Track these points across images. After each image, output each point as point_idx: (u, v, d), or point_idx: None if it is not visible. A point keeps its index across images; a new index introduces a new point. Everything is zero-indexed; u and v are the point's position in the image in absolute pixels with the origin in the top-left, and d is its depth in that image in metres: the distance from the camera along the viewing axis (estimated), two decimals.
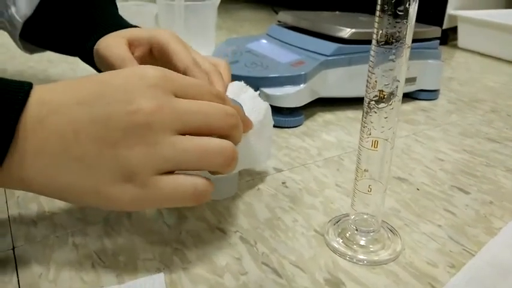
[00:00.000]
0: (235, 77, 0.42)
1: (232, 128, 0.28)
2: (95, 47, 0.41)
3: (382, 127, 0.29)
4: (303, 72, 0.53)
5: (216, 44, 0.80)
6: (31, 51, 0.55)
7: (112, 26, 0.44)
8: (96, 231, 0.32)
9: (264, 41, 0.66)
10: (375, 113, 0.28)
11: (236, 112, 0.29)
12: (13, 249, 0.30)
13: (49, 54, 0.58)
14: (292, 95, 0.52)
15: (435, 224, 0.35)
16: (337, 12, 0.79)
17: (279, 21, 0.70)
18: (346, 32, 0.57)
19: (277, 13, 1.30)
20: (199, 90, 0.28)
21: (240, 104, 0.34)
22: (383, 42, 0.27)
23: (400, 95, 0.28)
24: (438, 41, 0.66)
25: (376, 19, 0.27)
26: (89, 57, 0.44)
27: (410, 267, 0.30)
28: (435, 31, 0.66)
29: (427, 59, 0.63)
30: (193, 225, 0.33)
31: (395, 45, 0.27)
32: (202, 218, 0.34)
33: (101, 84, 0.26)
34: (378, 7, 0.26)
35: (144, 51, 0.40)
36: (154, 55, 0.40)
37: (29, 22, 0.49)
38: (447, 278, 0.29)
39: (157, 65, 0.29)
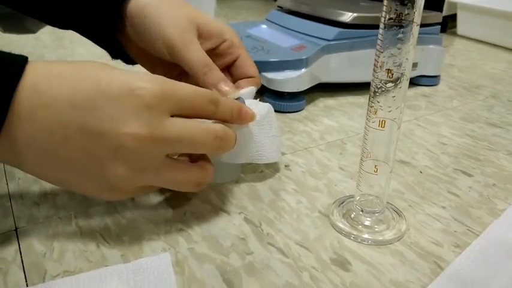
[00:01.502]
0: None
1: (219, 149, 0.29)
2: (135, 13, 0.35)
3: (389, 107, 0.28)
4: (304, 57, 0.53)
5: None
6: (17, 32, 0.49)
7: None
8: (99, 212, 0.32)
9: (264, 26, 0.66)
10: (383, 92, 0.28)
11: (225, 133, 0.28)
12: (16, 230, 0.30)
13: (44, 40, 0.56)
14: (293, 79, 0.52)
15: (439, 206, 0.35)
16: None
17: (279, 7, 0.69)
18: (348, 17, 0.57)
19: (275, 0, 1.29)
20: (195, 106, 0.27)
21: (243, 99, 0.34)
22: (392, 20, 0.26)
23: (408, 74, 0.28)
24: (439, 27, 0.65)
25: (384, 8, 0.26)
26: (96, 24, 0.37)
27: (415, 246, 0.30)
28: (436, 16, 0.65)
29: (428, 44, 0.63)
30: (198, 207, 0.33)
31: (404, 23, 0.26)
32: (207, 200, 0.34)
33: (98, 93, 0.25)
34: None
35: (211, 47, 0.37)
36: (217, 52, 0.38)
37: None
38: (452, 257, 0.29)
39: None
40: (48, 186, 0.35)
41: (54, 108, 0.24)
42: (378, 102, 0.29)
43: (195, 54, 0.35)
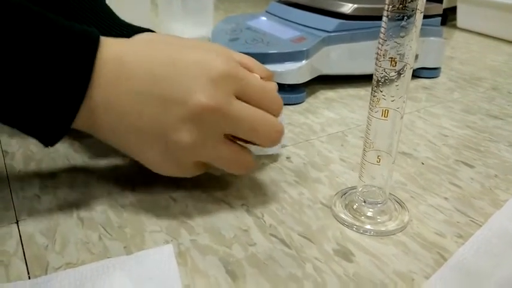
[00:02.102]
0: None
1: (273, 142, 0.31)
2: None
3: (392, 96, 0.28)
4: (304, 49, 0.52)
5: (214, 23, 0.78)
6: None
7: (115, 26, 0.39)
8: (101, 204, 0.32)
9: (263, 18, 0.65)
10: (386, 82, 0.28)
11: (282, 128, 0.31)
12: (17, 222, 0.29)
13: None
14: (294, 71, 0.51)
15: (441, 197, 0.35)
16: None
17: None
18: (348, 8, 0.56)
19: None
20: (259, 95, 0.30)
21: None
22: (395, 8, 0.26)
23: (411, 63, 0.28)
24: (440, 18, 0.65)
25: (384, 21, 0.26)
26: None
27: (418, 237, 0.30)
28: (437, 8, 0.65)
29: (428, 36, 0.63)
30: (199, 199, 0.33)
31: (407, 12, 0.26)
32: (208, 191, 0.34)
33: (173, 65, 0.28)
34: None
35: None
36: None
37: None
38: (455, 248, 0.29)
39: None
40: (48, 178, 0.35)
41: (136, 79, 0.27)
42: (381, 91, 0.28)
43: None
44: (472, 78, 0.66)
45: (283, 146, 0.41)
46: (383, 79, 0.28)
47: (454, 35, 0.99)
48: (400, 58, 0.27)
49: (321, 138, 0.44)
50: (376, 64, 0.28)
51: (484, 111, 0.53)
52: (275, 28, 0.60)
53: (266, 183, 0.36)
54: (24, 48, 0.25)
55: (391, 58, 0.27)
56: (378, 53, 0.28)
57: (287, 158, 0.40)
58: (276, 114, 0.31)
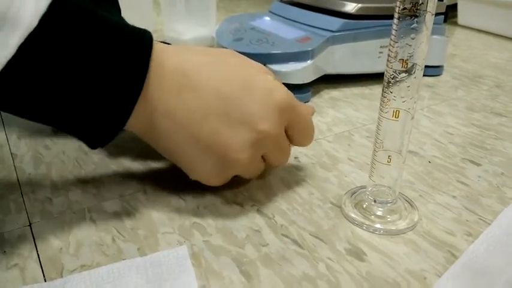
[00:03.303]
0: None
1: (281, 164, 0.35)
2: None
3: (403, 97, 0.28)
4: (309, 48, 0.52)
5: (217, 23, 0.78)
6: None
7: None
8: (113, 207, 0.32)
9: (267, 18, 0.65)
10: (396, 82, 0.28)
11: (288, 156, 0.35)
12: (30, 225, 0.30)
13: None
14: (299, 71, 0.52)
15: (449, 195, 0.35)
16: None
17: None
18: (352, 7, 0.56)
19: None
20: (303, 128, 0.34)
21: None
22: (406, 10, 0.26)
23: (422, 64, 0.28)
24: (443, 16, 0.65)
25: (396, 12, 0.26)
26: None
27: (428, 236, 0.30)
28: (440, 6, 0.65)
29: (432, 34, 0.62)
30: (210, 200, 0.33)
31: (418, 13, 0.26)
32: (218, 192, 0.34)
33: (243, 90, 0.29)
34: None
35: None
36: None
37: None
38: (465, 246, 0.29)
39: None
40: (59, 180, 0.35)
41: (201, 92, 0.29)
42: (391, 92, 0.29)
43: None
44: (474, 76, 0.66)
45: None
46: (393, 80, 0.28)
47: (455, 31, 0.99)
48: (411, 59, 0.27)
49: (327, 137, 0.44)
50: (387, 65, 0.28)
51: (488, 109, 0.53)
52: (279, 28, 0.60)
53: (276, 183, 0.36)
54: (77, 47, 0.25)
55: (402, 59, 0.27)
56: (388, 54, 0.28)
57: (295, 157, 0.40)
58: (307, 144, 0.35)
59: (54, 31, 0.24)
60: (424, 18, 0.26)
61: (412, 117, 0.29)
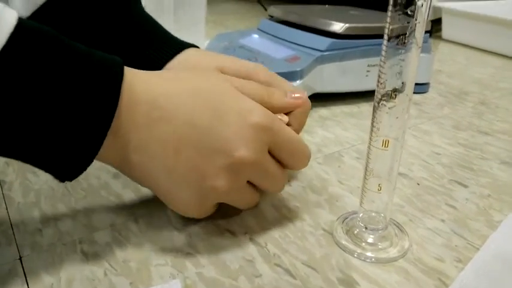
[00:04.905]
0: None
1: (275, 191, 0.35)
2: (170, 67, 0.38)
3: (392, 126, 0.29)
4: (299, 69, 0.53)
5: (205, 37, 0.79)
6: None
7: (168, 41, 0.39)
8: (104, 237, 0.32)
9: (256, 36, 0.66)
10: (385, 112, 0.29)
11: (284, 183, 0.34)
12: (20, 259, 0.29)
13: None
14: None
15: (438, 219, 0.36)
16: (326, 5, 0.79)
17: (270, 16, 0.69)
18: (340, 27, 0.57)
19: (262, 4, 1.29)
20: (290, 148, 0.32)
21: None
22: (393, 40, 0.27)
23: (410, 94, 0.28)
24: (428, 35, 0.66)
25: (388, 17, 0.27)
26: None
27: (419, 263, 0.30)
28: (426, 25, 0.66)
29: None
30: (202, 228, 0.33)
31: (405, 44, 0.27)
32: (210, 219, 0.34)
33: (216, 120, 0.28)
34: (390, 6, 0.26)
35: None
36: None
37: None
38: (455, 273, 0.30)
39: None
40: (49, 210, 0.34)
41: (173, 124, 0.28)
42: (381, 122, 0.29)
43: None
44: (460, 92, 0.67)
45: None
46: (382, 110, 0.28)
47: (439, 46, 1.01)
48: (399, 90, 0.28)
49: (317, 159, 0.45)
50: (375, 95, 0.29)
51: (475, 128, 0.54)
52: (268, 47, 0.61)
53: (267, 210, 0.36)
54: (41, 78, 0.24)
55: (391, 90, 0.28)
56: (377, 85, 0.29)
57: None
58: (302, 166, 0.34)
59: (17, 59, 0.23)
60: (411, 48, 0.27)
61: (401, 146, 0.30)
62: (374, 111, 0.29)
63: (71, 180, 0.28)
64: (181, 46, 0.39)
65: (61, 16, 0.38)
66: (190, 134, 0.28)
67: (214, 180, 0.29)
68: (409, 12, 0.26)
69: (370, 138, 0.30)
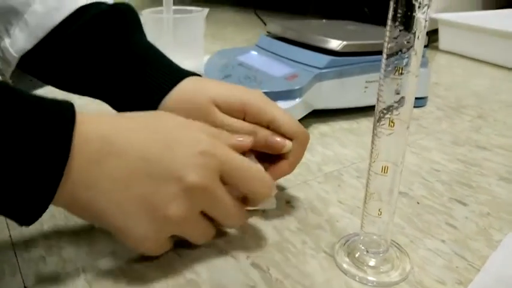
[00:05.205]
0: None
1: (232, 225, 0.35)
2: (166, 101, 0.38)
3: (390, 152, 0.29)
4: (298, 87, 0.54)
5: (205, 54, 0.79)
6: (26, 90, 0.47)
7: (167, 71, 0.39)
8: (107, 265, 0.32)
9: (254, 52, 0.67)
10: (384, 138, 0.29)
11: (243, 217, 0.34)
12: None
13: None
14: (288, 110, 0.52)
15: (439, 239, 0.36)
16: (323, 20, 0.80)
17: (268, 32, 0.70)
18: (338, 44, 0.58)
19: (259, 17, 1.30)
20: (242, 178, 0.31)
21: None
22: (391, 63, 0.27)
23: (408, 121, 0.29)
24: (426, 49, 0.67)
25: (386, 39, 0.27)
26: (128, 102, 0.39)
27: (420, 286, 0.31)
28: None
29: None
30: (204, 253, 0.33)
31: (402, 72, 0.27)
32: (212, 243, 0.34)
33: (165, 150, 0.29)
34: (388, 26, 0.27)
35: (240, 118, 0.37)
36: (246, 120, 0.37)
37: (29, 55, 0.40)
38: None
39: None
40: (52, 235, 0.35)
41: (124, 158, 0.28)
42: (380, 147, 0.29)
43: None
44: (458, 105, 0.68)
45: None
46: (382, 135, 0.29)
47: (436, 57, 1.02)
48: (396, 116, 0.28)
49: (318, 178, 0.45)
50: (374, 122, 0.29)
51: (473, 142, 0.55)
52: (267, 64, 0.61)
53: (269, 232, 0.36)
54: None
55: (389, 119, 0.28)
56: (375, 113, 0.29)
57: (287, 202, 0.41)
58: (262, 195, 0.33)
59: None
60: (408, 77, 0.27)
61: (401, 171, 0.30)
62: (373, 137, 0.30)
63: (29, 225, 0.27)
64: (179, 77, 0.39)
65: (62, 48, 0.39)
66: (141, 167, 0.28)
67: (166, 209, 0.28)
68: (407, 36, 0.27)
69: (370, 164, 0.30)
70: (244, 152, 0.34)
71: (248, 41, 1.07)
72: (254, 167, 0.32)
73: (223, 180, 0.31)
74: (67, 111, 0.27)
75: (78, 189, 0.27)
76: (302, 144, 0.37)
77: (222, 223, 0.33)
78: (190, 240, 0.32)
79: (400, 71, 0.27)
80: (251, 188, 0.32)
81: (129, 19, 0.41)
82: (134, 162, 0.28)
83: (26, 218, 0.27)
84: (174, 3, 0.73)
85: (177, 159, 0.29)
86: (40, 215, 0.27)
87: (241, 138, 0.34)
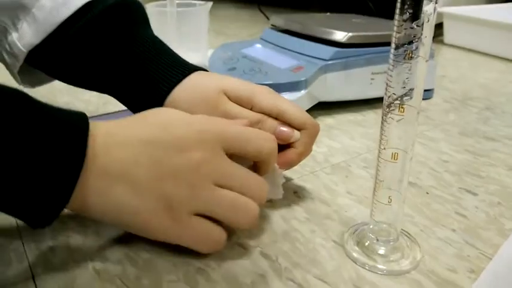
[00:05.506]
0: None
1: (257, 197, 0.31)
2: (175, 92, 0.38)
3: (400, 138, 0.29)
4: (303, 78, 0.53)
5: (208, 47, 0.79)
6: (33, 85, 0.45)
7: (174, 65, 0.39)
8: (115, 254, 0.32)
9: (258, 45, 0.66)
10: (394, 125, 0.29)
11: (264, 186, 0.32)
12: (33, 278, 0.29)
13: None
14: (294, 102, 0.52)
15: (449, 228, 0.35)
16: (328, 13, 0.80)
17: (272, 25, 0.70)
18: (343, 36, 0.57)
19: (263, 12, 1.30)
20: (241, 139, 0.31)
21: None
22: (400, 53, 0.27)
23: (418, 106, 0.28)
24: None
25: (395, 28, 0.27)
26: (136, 96, 0.39)
27: (432, 274, 0.30)
28: None
29: None
30: None
31: (411, 56, 0.27)
32: None
33: (163, 131, 0.30)
34: (396, 15, 0.26)
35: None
36: (254, 111, 0.37)
37: (37, 50, 0.39)
38: (468, 284, 0.29)
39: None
40: (59, 227, 0.34)
41: (127, 144, 0.29)
42: (389, 135, 0.29)
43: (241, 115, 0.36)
44: (465, 98, 0.67)
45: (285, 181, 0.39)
46: (390, 121, 0.28)
47: (442, 51, 1.01)
48: (407, 102, 0.28)
49: (325, 169, 0.45)
50: (383, 108, 0.29)
51: (481, 133, 0.54)
52: (271, 57, 0.61)
53: (277, 222, 0.36)
54: (13, 135, 0.25)
55: (399, 105, 0.28)
56: (384, 98, 0.29)
57: (294, 192, 0.40)
58: (271, 150, 0.33)
59: (5, 123, 0.25)
60: (418, 61, 0.27)
61: (411, 158, 0.30)
62: (382, 123, 0.29)
63: (42, 227, 0.28)
64: (187, 70, 0.39)
65: (70, 44, 0.39)
66: (143, 147, 0.29)
67: (172, 184, 0.29)
68: (415, 27, 0.26)
69: (379, 151, 0.30)
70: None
71: (252, 36, 1.07)
72: (250, 128, 0.33)
73: (229, 154, 0.31)
74: (81, 122, 0.28)
75: (91, 180, 0.28)
76: (311, 135, 0.37)
77: (246, 194, 0.31)
78: (195, 248, 0.31)
79: (410, 54, 0.27)
80: (255, 146, 0.32)
81: (136, 13, 0.41)
82: (136, 145, 0.29)
83: (40, 221, 0.28)
84: None
85: (174, 140, 0.29)
86: (53, 219, 0.28)
87: (235, 120, 0.34)
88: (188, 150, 0.29)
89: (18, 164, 0.25)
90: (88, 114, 0.29)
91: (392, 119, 0.29)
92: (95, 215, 0.29)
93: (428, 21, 0.26)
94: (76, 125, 0.28)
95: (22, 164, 0.25)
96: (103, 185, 0.28)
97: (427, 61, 0.27)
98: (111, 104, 0.43)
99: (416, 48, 0.27)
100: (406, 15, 0.26)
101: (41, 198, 0.27)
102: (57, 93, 0.63)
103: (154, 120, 0.31)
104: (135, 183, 0.28)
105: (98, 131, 0.29)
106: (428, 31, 0.26)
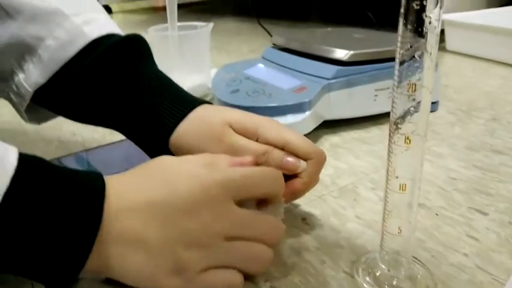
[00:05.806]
0: (238, 108, 0.42)
1: (271, 239, 0.32)
2: (181, 127, 0.38)
3: (408, 169, 0.29)
4: (307, 100, 0.53)
5: (211, 66, 0.80)
6: (39, 121, 0.46)
7: (179, 100, 0.39)
8: None
9: (261, 65, 0.66)
10: (400, 156, 0.28)
11: (277, 226, 0.33)
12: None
13: None
14: (299, 123, 0.52)
15: (461, 253, 0.35)
16: (329, 28, 0.80)
17: (274, 44, 0.70)
18: (345, 54, 0.57)
19: (263, 26, 1.30)
20: (248, 184, 0.31)
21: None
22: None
23: (424, 134, 0.28)
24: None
25: (398, 44, 0.26)
26: (142, 132, 0.40)
27: None
28: None
29: None
30: None
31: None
32: None
33: (167, 188, 0.30)
34: (400, 31, 0.26)
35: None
36: (259, 142, 0.37)
37: (43, 89, 0.40)
38: None
39: None
40: None
41: (136, 210, 0.29)
42: (397, 164, 0.29)
43: (247, 148, 0.36)
44: (470, 108, 0.67)
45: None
46: (398, 151, 0.28)
47: (444, 58, 1.01)
48: (413, 134, 0.28)
49: (332, 192, 0.45)
50: (389, 139, 0.29)
51: (488, 147, 0.54)
52: (274, 77, 0.61)
53: (287, 253, 0.36)
54: (32, 201, 0.27)
55: (404, 135, 0.28)
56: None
57: (303, 219, 0.40)
58: (281, 188, 0.33)
59: (26, 192, 0.26)
60: (421, 94, 0.27)
61: (419, 187, 0.30)
62: (388, 154, 0.29)
63: None
64: (192, 104, 0.39)
65: (76, 81, 0.39)
66: (151, 213, 0.29)
67: (182, 248, 0.29)
68: (419, 40, 0.26)
69: (387, 182, 0.30)
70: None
71: (253, 52, 1.07)
72: (255, 169, 0.33)
73: (237, 201, 0.30)
74: (97, 184, 0.29)
75: (108, 245, 0.28)
76: (317, 164, 0.37)
77: (266, 241, 0.31)
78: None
79: (414, 88, 0.27)
80: (262, 190, 0.32)
81: (140, 50, 0.41)
82: (143, 209, 0.29)
83: (58, 284, 0.28)
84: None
85: (180, 201, 0.29)
86: (72, 282, 0.29)
87: (240, 158, 0.34)
88: (196, 212, 0.29)
89: (38, 229, 0.26)
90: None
91: (398, 150, 0.28)
92: (113, 276, 0.30)
93: (432, 33, 0.26)
94: (93, 186, 0.29)
95: (42, 228, 0.27)
96: (118, 250, 0.28)
97: (430, 92, 0.27)
98: (117, 133, 0.43)
99: (420, 78, 0.27)
100: (410, 30, 0.25)
101: (59, 262, 0.27)
102: (63, 122, 0.63)
103: (157, 174, 0.31)
104: (148, 248, 0.29)
105: (110, 191, 0.29)
106: (433, 42, 0.26)
